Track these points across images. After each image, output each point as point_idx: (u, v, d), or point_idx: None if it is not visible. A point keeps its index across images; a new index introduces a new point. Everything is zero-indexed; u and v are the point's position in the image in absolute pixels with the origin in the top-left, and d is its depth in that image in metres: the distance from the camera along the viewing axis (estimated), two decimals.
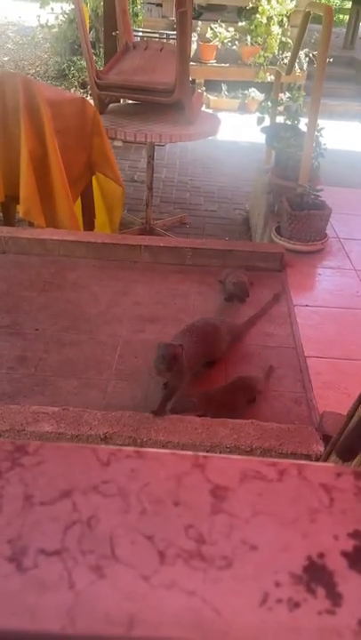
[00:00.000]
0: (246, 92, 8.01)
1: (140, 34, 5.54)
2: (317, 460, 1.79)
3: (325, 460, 1.76)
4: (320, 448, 1.81)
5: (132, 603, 0.30)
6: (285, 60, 7.70)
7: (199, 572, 0.32)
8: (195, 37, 7.94)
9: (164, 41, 5.25)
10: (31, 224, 3.23)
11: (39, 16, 8.80)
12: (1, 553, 0.32)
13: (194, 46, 7.72)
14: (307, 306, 2.62)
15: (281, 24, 7.83)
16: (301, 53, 7.33)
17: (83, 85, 7.91)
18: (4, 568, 0.31)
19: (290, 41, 7.73)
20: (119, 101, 4.55)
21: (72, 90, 7.87)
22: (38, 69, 9.23)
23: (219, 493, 0.36)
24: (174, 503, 0.36)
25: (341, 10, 12.84)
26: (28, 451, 0.38)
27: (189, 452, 0.40)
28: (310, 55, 7.56)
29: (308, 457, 1.80)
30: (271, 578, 0.32)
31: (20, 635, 0.28)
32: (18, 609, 0.29)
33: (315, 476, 0.38)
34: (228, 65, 8.31)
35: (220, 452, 1.82)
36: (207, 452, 1.82)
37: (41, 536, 0.33)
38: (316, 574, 0.32)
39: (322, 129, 3.44)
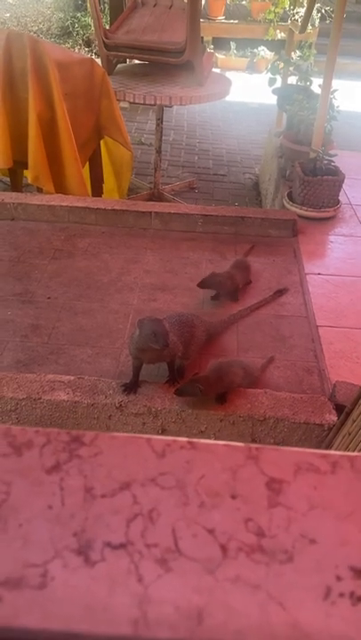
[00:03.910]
0: (255, 50, 7.77)
1: None
2: (330, 429, 1.81)
3: (338, 429, 1.78)
4: (333, 418, 1.82)
5: (199, 596, 0.31)
6: (297, 17, 7.45)
7: (262, 565, 0.33)
8: None
9: None
10: (39, 190, 3.19)
11: None
12: (68, 546, 0.33)
13: (202, 1, 7.46)
14: (319, 274, 2.60)
15: None
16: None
17: (88, 44, 7.69)
18: (73, 561, 0.32)
19: None
20: (126, 61, 4.42)
21: (77, 48, 7.66)
22: (41, 26, 8.95)
23: (274, 486, 0.37)
24: (232, 496, 0.36)
25: None
26: (84, 441, 0.39)
27: (241, 444, 0.40)
28: (323, 11, 7.31)
29: (320, 426, 1.82)
30: (332, 572, 0.33)
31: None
32: (91, 602, 0.30)
33: None
34: (237, 22, 8.04)
35: (234, 422, 1.84)
36: (221, 421, 1.85)
37: (105, 529, 0.34)
38: None
39: (335, 91, 3.34)
